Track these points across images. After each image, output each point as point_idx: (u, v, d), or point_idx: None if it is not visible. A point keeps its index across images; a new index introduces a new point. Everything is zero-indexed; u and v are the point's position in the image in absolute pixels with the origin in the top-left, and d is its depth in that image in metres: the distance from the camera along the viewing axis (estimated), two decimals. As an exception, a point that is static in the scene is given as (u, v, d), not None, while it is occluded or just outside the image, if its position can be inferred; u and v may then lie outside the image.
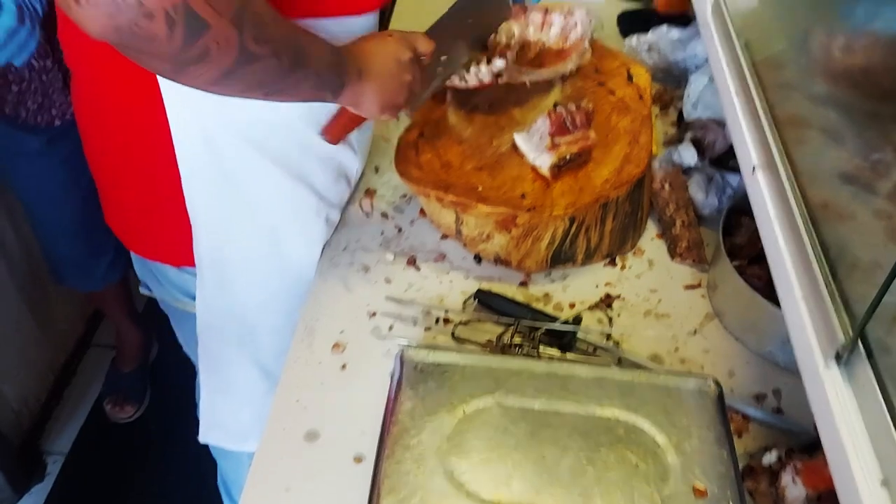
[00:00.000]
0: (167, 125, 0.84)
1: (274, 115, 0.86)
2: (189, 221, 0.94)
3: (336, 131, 0.91)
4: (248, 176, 0.92)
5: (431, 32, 0.92)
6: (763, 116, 0.81)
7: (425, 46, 0.88)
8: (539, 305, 0.99)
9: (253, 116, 0.85)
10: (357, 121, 0.91)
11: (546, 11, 1.17)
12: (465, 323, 0.96)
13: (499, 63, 1.00)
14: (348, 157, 1.01)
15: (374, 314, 0.96)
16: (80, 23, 0.57)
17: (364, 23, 0.87)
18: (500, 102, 1.10)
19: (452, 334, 0.94)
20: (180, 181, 0.90)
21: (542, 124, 1.00)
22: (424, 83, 0.91)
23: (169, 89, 0.81)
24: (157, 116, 0.84)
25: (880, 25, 0.70)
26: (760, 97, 0.83)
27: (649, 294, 1.01)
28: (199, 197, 0.92)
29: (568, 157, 0.98)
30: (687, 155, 1.10)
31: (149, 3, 0.56)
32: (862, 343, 0.55)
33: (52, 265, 1.69)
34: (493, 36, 1.07)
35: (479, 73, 1.07)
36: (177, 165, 0.89)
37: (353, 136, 0.98)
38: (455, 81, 1.03)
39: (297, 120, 0.89)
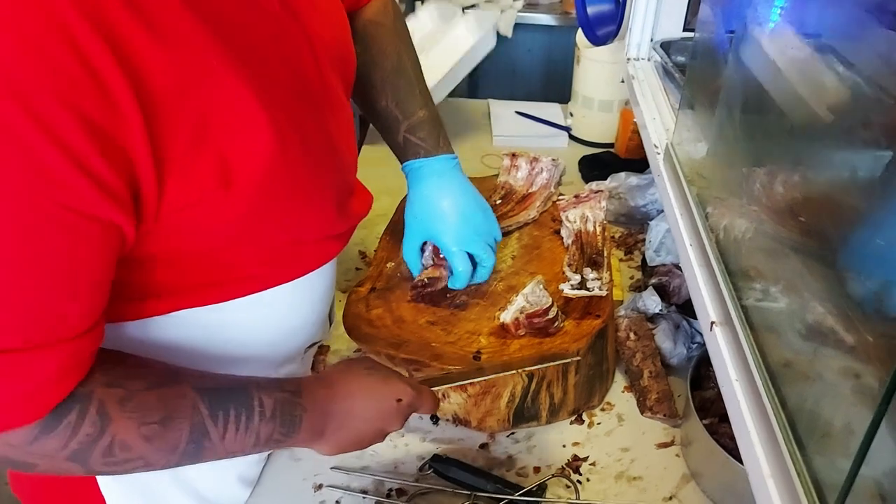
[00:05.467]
0: None
1: None
2: None
3: None
4: None
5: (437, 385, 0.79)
6: (716, 267, 0.78)
7: (428, 409, 0.74)
8: (501, 471, 0.91)
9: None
10: None
11: (513, 156, 1.20)
12: (421, 494, 0.88)
13: None
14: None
15: (319, 487, 0.88)
16: None
17: (304, 288, 0.76)
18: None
19: (405, 508, 0.86)
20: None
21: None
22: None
23: None
24: None
25: (822, 168, 0.69)
26: (713, 247, 0.81)
27: (621, 454, 0.94)
28: None
29: None
30: (651, 302, 1.06)
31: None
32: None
33: None
34: None
35: None
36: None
37: None
38: None
39: None
